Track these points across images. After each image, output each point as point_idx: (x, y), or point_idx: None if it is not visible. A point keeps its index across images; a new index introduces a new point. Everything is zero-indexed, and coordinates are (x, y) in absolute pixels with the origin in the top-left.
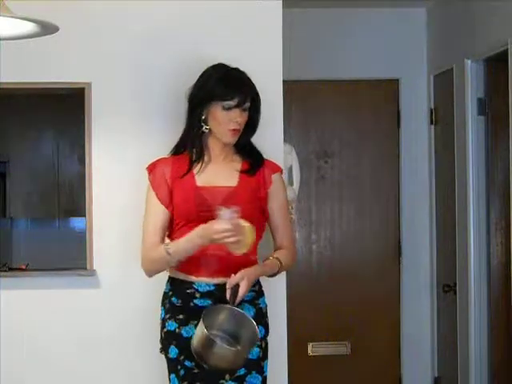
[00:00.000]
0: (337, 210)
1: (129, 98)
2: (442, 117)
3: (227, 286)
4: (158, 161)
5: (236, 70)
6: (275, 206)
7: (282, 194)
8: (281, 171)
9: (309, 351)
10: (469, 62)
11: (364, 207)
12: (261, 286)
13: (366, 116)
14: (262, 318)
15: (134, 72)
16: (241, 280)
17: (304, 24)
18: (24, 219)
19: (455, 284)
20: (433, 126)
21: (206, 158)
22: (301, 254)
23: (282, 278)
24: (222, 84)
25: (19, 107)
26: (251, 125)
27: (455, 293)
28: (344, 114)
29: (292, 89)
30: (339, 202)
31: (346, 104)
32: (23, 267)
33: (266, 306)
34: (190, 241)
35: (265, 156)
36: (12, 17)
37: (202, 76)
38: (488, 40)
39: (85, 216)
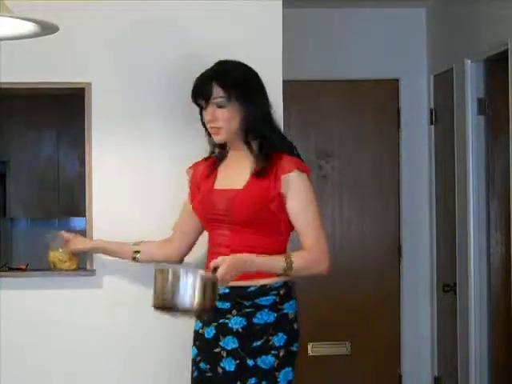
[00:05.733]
0: (337, 209)
1: (129, 98)
2: (442, 117)
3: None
4: (197, 161)
5: (217, 63)
6: (291, 208)
7: (298, 194)
8: (298, 169)
9: (309, 351)
10: (469, 62)
11: (364, 207)
12: (289, 291)
13: (366, 116)
14: (285, 324)
15: (134, 72)
16: (221, 263)
17: (304, 24)
18: (24, 219)
19: (455, 284)
20: (433, 126)
21: (222, 160)
22: None
23: None
24: (194, 84)
25: (19, 107)
26: (247, 116)
27: (455, 293)
28: (344, 113)
29: (292, 89)
30: (339, 201)
31: (345, 104)
32: (23, 267)
33: (295, 311)
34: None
35: None
36: (12, 17)
37: None
38: (488, 40)
39: (85, 216)
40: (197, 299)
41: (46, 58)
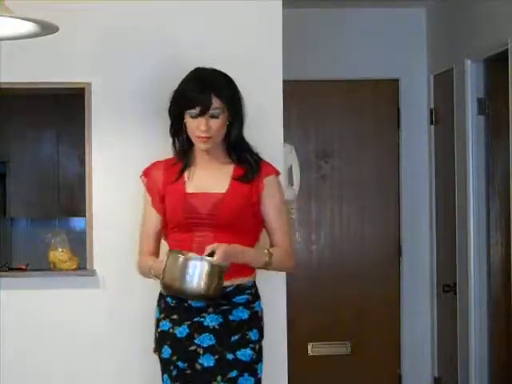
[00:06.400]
0: (337, 210)
1: (129, 98)
2: (442, 117)
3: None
4: (152, 165)
5: (207, 73)
6: (269, 209)
7: (277, 197)
8: (276, 173)
9: (309, 351)
10: (469, 62)
11: (364, 207)
12: (257, 290)
13: (366, 116)
14: (257, 321)
15: (134, 72)
16: (217, 248)
17: (304, 24)
18: (24, 219)
19: (455, 284)
20: (433, 126)
21: (194, 163)
22: (301, 253)
23: (281, 278)
24: (185, 94)
25: (19, 107)
26: (234, 123)
27: (455, 293)
28: (344, 113)
29: (292, 89)
30: (339, 202)
31: (346, 104)
32: (23, 267)
33: (262, 309)
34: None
35: (264, 156)
36: (12, 17)
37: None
38: (488, 40)
39: (85, 216)
40: (202, 285)
41: (46, 57)
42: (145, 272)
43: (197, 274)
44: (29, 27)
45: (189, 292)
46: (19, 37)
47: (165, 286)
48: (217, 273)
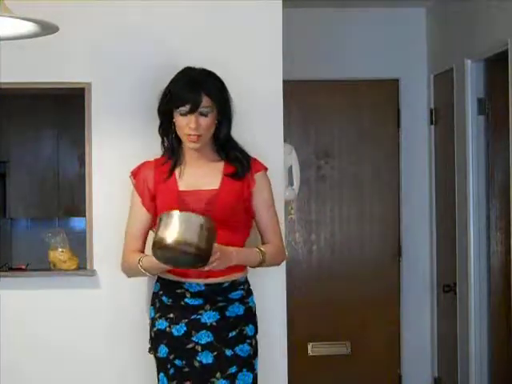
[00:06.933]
0: (337, 210)
1: (129, 98)
2: (442, 117)
3: None
4: (141, 165)
5: (196, 72)
6: (260, 204)
7: (266, 192)
8: (265, 169)
9: (309, 351)
10: (469, 62)
11: (364, 207)
12: (249, 285)
13: (366, 116)
14: (251, 316)
15: (134, 72)
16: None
17: (304, 24)
18: (24, 219)
19: (455, 284)
20: (433, 126)
21: (183, 161)
22: (301, 254)
23: (281, 277)
24: (175, 92)
25: (19, 107)
26: (223, 122)
27: (455, 293)
28: (344, 114)
29: (292, 89)
30: (339, 202)
31: (346, 104)
32: (23, 267)
33: (255, 305)
34: (157, 267)
35: (265, 156)
36: (12, 17)
37: (168, 84)
38: (488, 40)
39: (85, 216)
40: (192, 236)
41: (46, 57)
42: (132, 267)
43: (184, 224)
44: (29, 27)
45: (181, 242)
46: (19, 37)
47: (157, 244)
48: (202, 225)
